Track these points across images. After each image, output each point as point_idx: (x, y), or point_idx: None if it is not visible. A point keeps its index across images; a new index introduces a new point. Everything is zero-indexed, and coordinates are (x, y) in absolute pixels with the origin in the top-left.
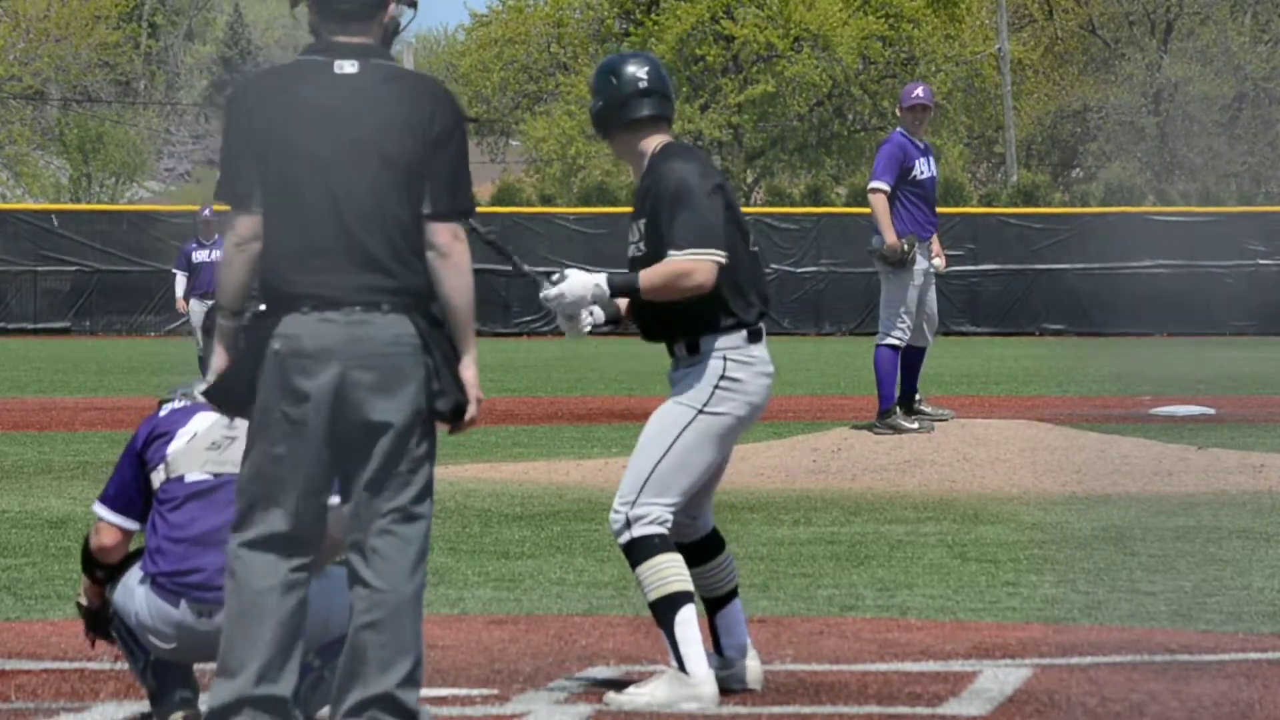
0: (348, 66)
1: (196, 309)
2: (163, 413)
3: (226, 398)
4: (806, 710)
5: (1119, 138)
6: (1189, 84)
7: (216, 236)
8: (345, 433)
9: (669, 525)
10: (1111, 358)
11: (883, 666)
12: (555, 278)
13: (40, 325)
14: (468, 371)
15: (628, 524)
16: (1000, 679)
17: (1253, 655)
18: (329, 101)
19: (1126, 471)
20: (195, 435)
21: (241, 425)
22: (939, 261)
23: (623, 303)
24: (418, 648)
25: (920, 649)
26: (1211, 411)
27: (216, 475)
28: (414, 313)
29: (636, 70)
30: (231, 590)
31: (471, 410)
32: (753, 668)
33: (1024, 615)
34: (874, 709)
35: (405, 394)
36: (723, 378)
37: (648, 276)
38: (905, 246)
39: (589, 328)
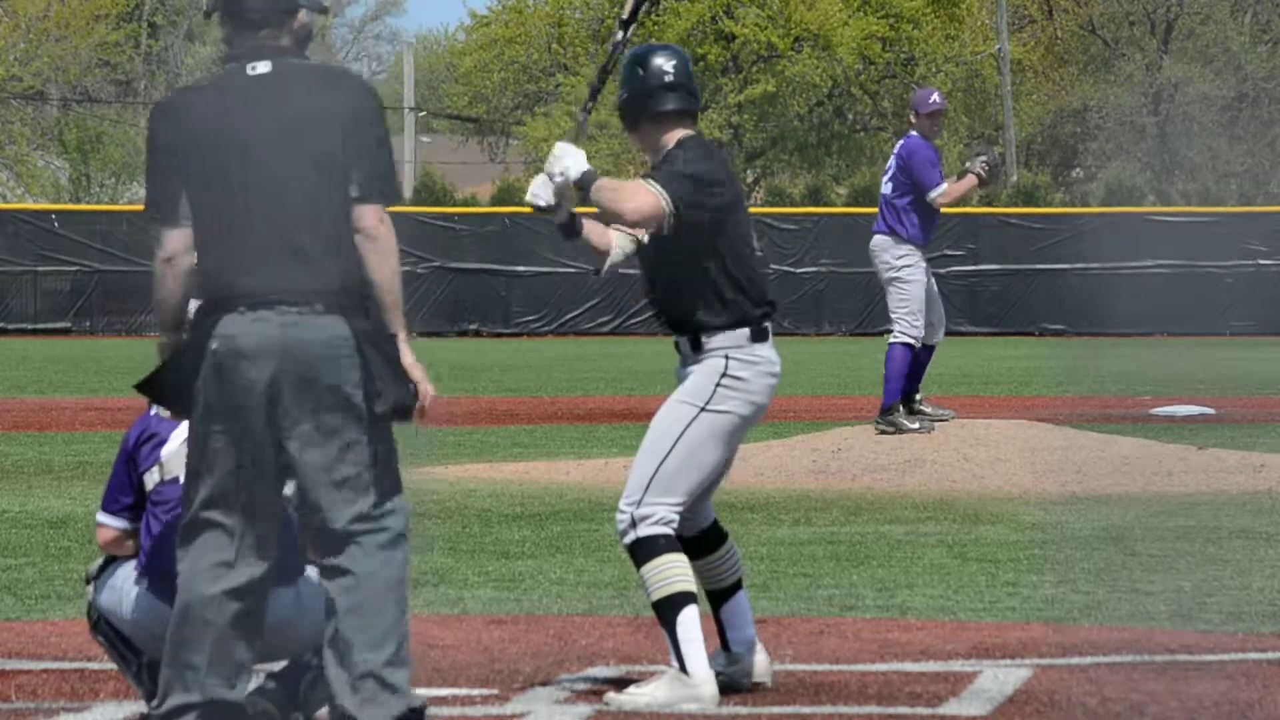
0: (261, 67)
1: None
2: (154, 411)
3: (167, 394)
4: (806, 710)
5: (1119, 138)
6: (1189, 84)
7: None
8: (288, 433)
9: (675, 525)
10: (1111, 358)
11: (883, 666)
12: (572, 143)
13: (40, 325)
14: (405, 357)
15: (633, 524)
16: (1000, 679)
17: (1253, 655)
18: (247, 103)
19: (1126, 471)
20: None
21: None
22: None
23: (592, 229)
24: (401, 629)
25: (920, 649)
26: (1211, 411)
27: None
28: (349, 313)
29: (663, 63)
30: (179, 595)
31: (424, 389)
32: (760, 662)
33: (1024, 615)
34: (874, 709)
35: (340, 395)
36: (725, 375)
37: (604, 181)
38: (978, 164)
39: (533, 201)
